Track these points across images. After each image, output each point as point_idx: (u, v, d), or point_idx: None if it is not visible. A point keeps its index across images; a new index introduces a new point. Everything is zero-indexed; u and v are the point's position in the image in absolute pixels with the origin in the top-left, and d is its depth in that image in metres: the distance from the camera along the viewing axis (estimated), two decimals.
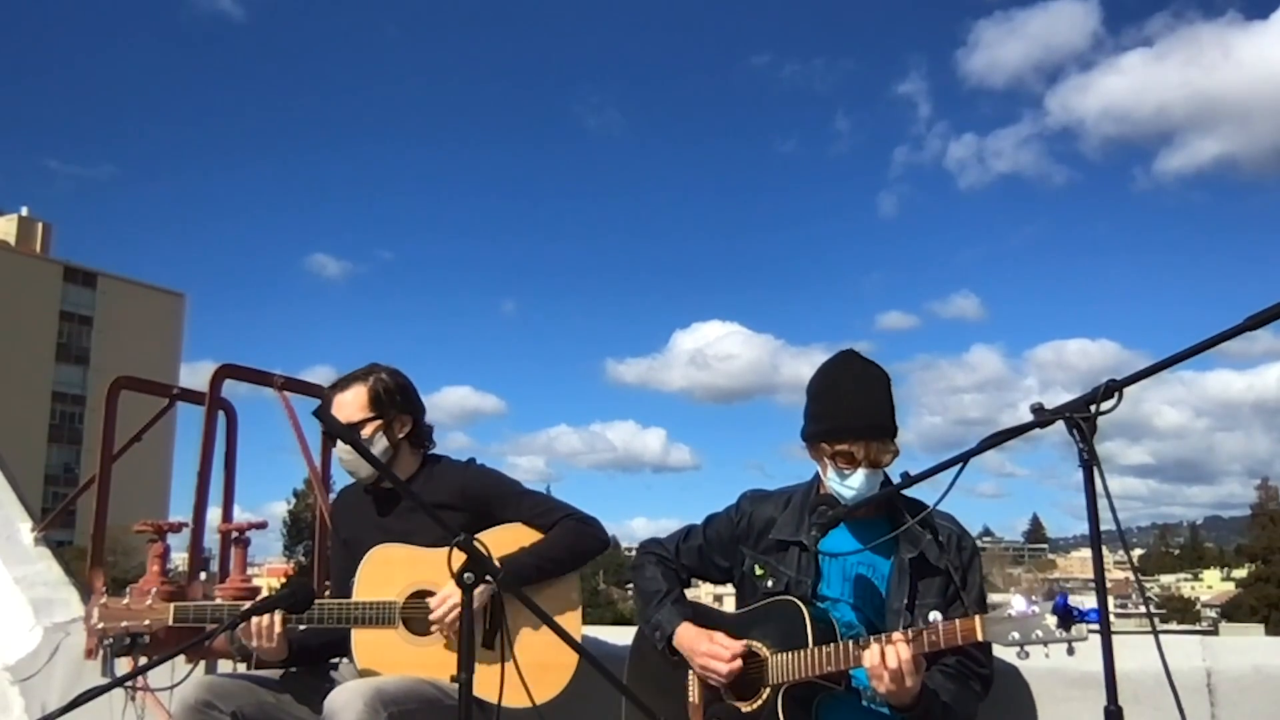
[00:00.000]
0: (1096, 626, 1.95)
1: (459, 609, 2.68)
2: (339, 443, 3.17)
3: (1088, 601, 2.12)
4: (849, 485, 2.57)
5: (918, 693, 2.33)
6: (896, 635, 2.32)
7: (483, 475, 3.17)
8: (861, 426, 2.57)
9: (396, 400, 3.12)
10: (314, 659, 3.06)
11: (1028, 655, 2.13)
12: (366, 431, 3.07)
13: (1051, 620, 2.09)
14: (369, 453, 2.86)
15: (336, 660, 3.14)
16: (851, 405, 2.60)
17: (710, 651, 2.62)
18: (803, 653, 2.45)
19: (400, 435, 3.13)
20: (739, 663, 2.59)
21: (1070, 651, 2.07)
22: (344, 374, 3.17)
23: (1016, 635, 2.14)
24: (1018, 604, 2.18)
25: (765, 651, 2.56)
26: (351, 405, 3.08)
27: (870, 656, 2.30)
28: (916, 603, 2.55)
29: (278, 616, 2.82)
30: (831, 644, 2.42)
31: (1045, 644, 2.11)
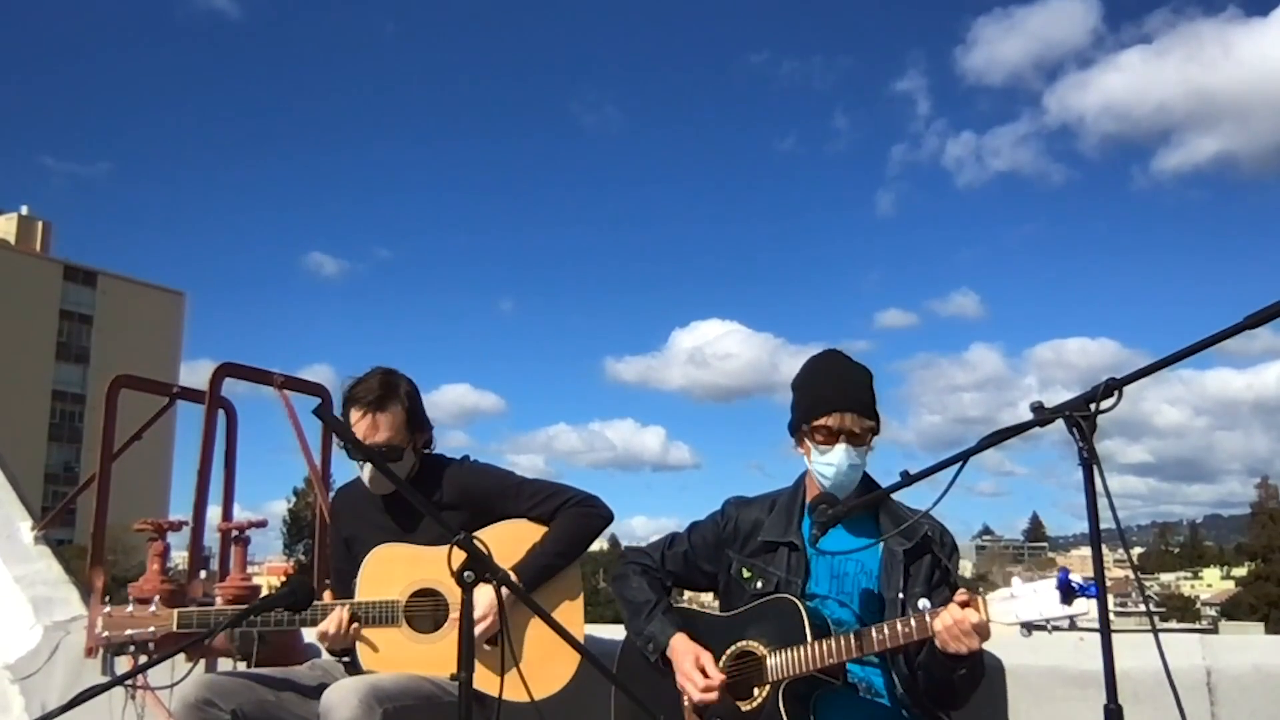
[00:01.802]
0: (1095, 622, 1.95)
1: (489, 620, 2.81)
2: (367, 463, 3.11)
3: (1088, 603, 2.13)
4: (828, 461, 2.61)
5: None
6: (960, 594, 2.31)
7: (480, 472, 3.19)
8: (837, 398, 2.63)
9: (420, 415, 3.14)
10: None
11: (1030, 633, 2.16)
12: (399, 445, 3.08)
13: (1054, 596, 2.11)
14: (376, 456, 2.89)
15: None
16: (829, 382, 2.67)
17: (689, 674, 2.62)
18: (802, 648, 2.46)
19: (422, 446, 3.17)
20: (713, 695, 2.58)
21: (1072, 625, 2.09)
22: (358, 382, 3.10)
23: (1018, 615, 2.17)
24: (1018, 584, 2.21)
25: (762, 650, 2.57)
26: (392, 427, 3.05)
27: (942, 620, 2.28)
28: (908, 591, 2.58)
29: (345, 613, 2.91)
30: (830, 638, 2.44)
31: (1048, 621, 2.13)
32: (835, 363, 2.73)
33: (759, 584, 2.70)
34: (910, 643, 2.38)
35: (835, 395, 2.64)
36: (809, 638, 2.47)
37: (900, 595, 2.57)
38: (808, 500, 2.73)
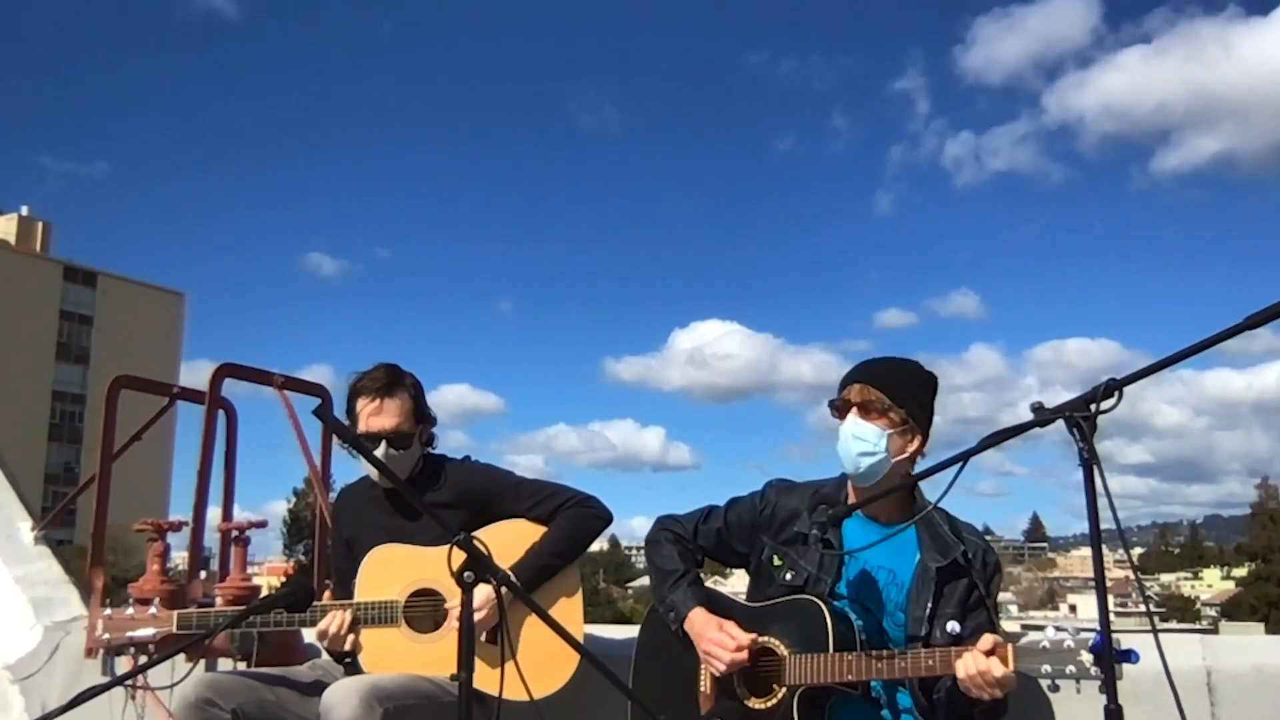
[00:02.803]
0: (1096, 623, 1.94)
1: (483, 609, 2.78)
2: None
3: (1088, 603, 2.10)
4: (839, 436, 2.58)
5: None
6: (985, 642, 2.26)
7: (480, 472, 3.20)
8: (849, 375, 2.62)
9: (424, 405, 3.18)
10: None
11: (1058, 689, 2.12)
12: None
13: (1087, 658, 2.07)
14: (371, 454, 2.88)
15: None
16: (853, 367, 2.66)
17: (717, 640, 2.59)
18: (824, 657, 2.43)
19: (426, 440, 3.19)
20: (744, 655, 2.55)
21: (1111, 694, 1.91)
22: (363, 374, 3.14)
23: (1049, 668, 2.12)
24: (1051, 635, 2.15)
25: (783, 650, 2.54)
26: (400, 413, 3.09)
27: (964, 666, 2.26)
28: (937, 611, 2.53)
29: (347, 616, 2.91)
30: (853, 653, 2.40)
31: (1078, 680, 2.09)
32: (877, 356, 2.70)
33: (789, 575, 2.66)
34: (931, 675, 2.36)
35: (849, 374, 2.64)
36: (831, 648, 2.43)
37: (926, 614, 2.52)
38: (849, 497, 2.69)
